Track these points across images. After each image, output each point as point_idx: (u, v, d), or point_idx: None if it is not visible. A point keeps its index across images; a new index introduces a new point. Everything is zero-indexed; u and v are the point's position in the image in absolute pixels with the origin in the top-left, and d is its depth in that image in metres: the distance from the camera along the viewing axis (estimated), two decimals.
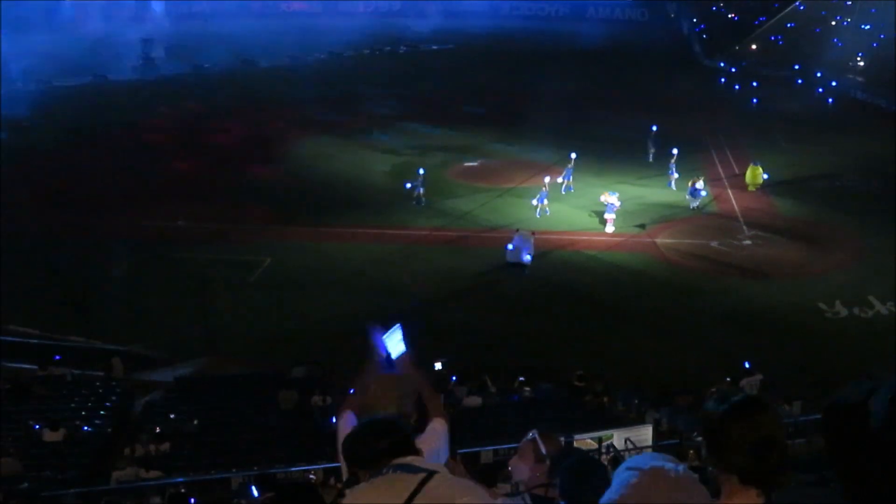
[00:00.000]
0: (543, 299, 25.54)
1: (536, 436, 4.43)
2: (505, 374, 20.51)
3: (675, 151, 33.51)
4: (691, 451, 13.21)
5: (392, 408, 3.13)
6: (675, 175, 33.03)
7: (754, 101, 47.71)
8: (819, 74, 53.21)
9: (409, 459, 2.71)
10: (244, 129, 42.34)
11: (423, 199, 31.81)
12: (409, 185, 32.23)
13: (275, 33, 59.22)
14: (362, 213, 31.54)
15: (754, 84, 51.81)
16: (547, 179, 31.26)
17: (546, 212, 30.47)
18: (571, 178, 32.71)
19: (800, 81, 52.29)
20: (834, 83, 51.08)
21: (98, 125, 42.42)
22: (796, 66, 55.79)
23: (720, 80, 54.40)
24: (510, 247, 26.98)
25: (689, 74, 54.58)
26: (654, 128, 36.82)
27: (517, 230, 27.85)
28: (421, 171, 32.33)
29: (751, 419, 2.47)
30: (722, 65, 58.30)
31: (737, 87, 52.17)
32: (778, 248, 28.66)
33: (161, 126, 42.70)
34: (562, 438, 4.94)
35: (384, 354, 4.14)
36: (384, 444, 2.88)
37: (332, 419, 17.06)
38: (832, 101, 48.12)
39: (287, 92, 49.26)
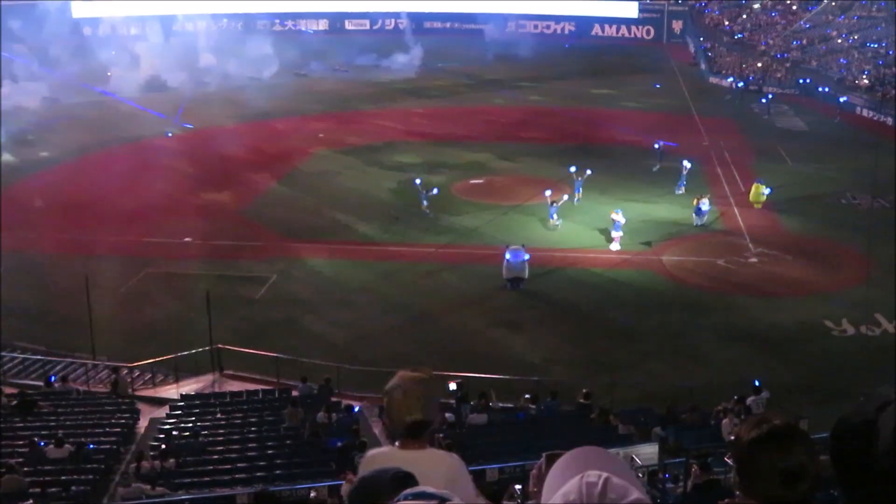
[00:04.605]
0: (548, 316, 25.49)
1: (543, 457, 4.40)
2: (510, 391, 20.44)
3: (686, 164, 33.79)
4: (696, 469, 13.13)
5: (417, 413, 3.12)
6: (684, 185, 33.54)
7: (763, 117, 47.69)
8: (825, 91, 53.25)
9: (421, 487, 2.71)
10: (250, 145, 42.41)
11: (428, 208, 32.00)
12: (418, 182, 32.82)
13: (280, 50, 59.44)
14: (368, 229, 31.59)
15: (760, 101, 51.87)
16: (548, 193, 31.32)
17: (551, 227, 30.58)
18: (581, 191, 32.90)
19: (803, 97, 52.30)
20: (839, 100, 51.09)
21: (104, 142, 42.63)
22: (802, 82, 55.88)
23: (725, 98, 54.43)
24: (506, 261, 26.99)
25: (695, 92, 54.65)
26: (658, 144, 36.98)
27: (507, 246, 27.82)
28: (418, 182, 32.89)
29: (781, 447, 2.38)
30: (727, 82, 58.35)
31: (740, 104, 52.22)
32: (784, 265, 28.58)
33: (168, 143, 42.84)
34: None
35: None
36: (391, 488, 2.87)
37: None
38: (838, 119, 48.09)
39: (293, 108, 49.45)
